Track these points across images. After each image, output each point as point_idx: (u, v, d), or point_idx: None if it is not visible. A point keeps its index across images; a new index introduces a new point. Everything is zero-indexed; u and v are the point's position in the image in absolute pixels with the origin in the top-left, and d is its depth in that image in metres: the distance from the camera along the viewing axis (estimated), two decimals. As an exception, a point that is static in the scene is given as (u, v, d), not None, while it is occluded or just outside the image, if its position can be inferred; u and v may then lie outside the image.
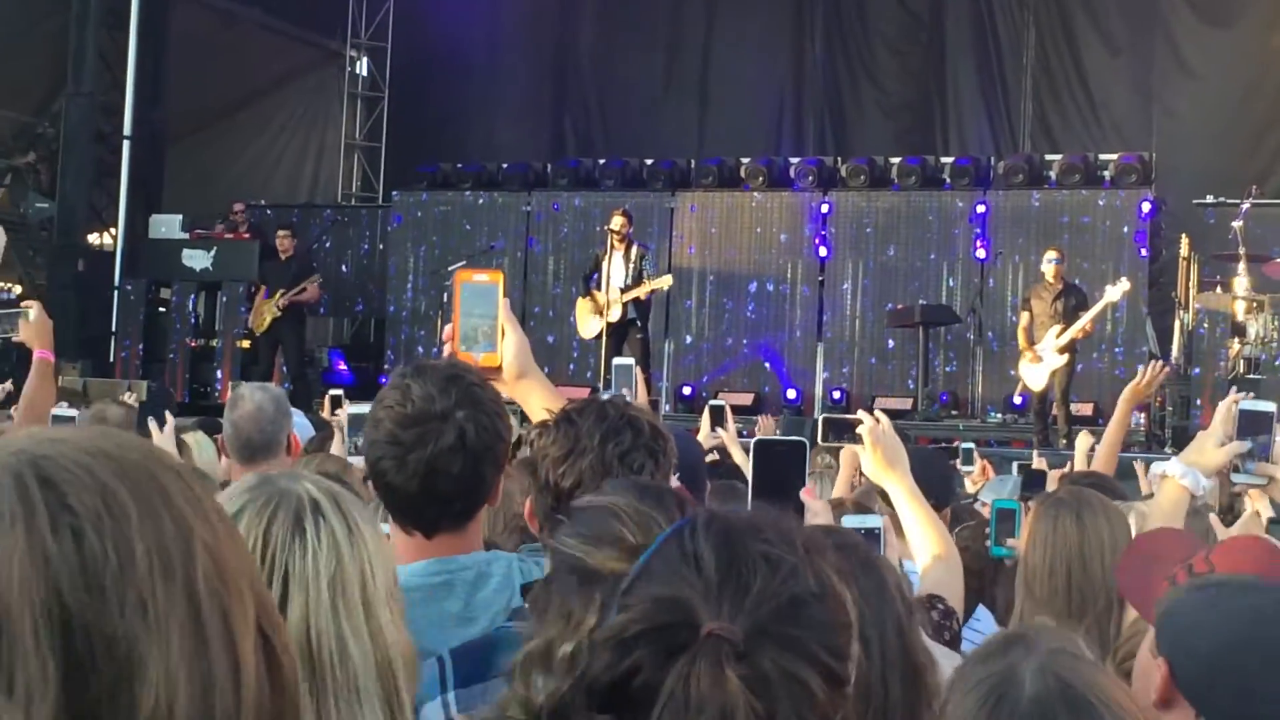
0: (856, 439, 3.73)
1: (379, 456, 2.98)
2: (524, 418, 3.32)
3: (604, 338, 15.29)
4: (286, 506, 2.22)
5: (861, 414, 3.66)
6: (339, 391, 8.50)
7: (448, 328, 3.10)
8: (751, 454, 3.16)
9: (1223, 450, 3.78)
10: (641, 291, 15.42)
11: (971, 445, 9.94)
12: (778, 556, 1.50)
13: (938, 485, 5.71)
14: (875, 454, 3.50)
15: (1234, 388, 11.37)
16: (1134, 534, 4.17)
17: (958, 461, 8.93)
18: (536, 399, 3.14)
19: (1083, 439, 9.11)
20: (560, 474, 2.65)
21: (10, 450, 1.45)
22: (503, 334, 3.07)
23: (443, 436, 2.94)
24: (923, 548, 3.82)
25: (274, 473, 2.40)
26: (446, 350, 3.10)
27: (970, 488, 8.36)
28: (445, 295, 18.11)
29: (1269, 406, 3.84)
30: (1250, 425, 3.76)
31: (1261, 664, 2.35)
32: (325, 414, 8.33)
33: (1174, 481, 3.76)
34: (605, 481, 2.43)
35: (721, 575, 1.47)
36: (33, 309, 5.81)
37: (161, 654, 1.43)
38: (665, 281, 15.65)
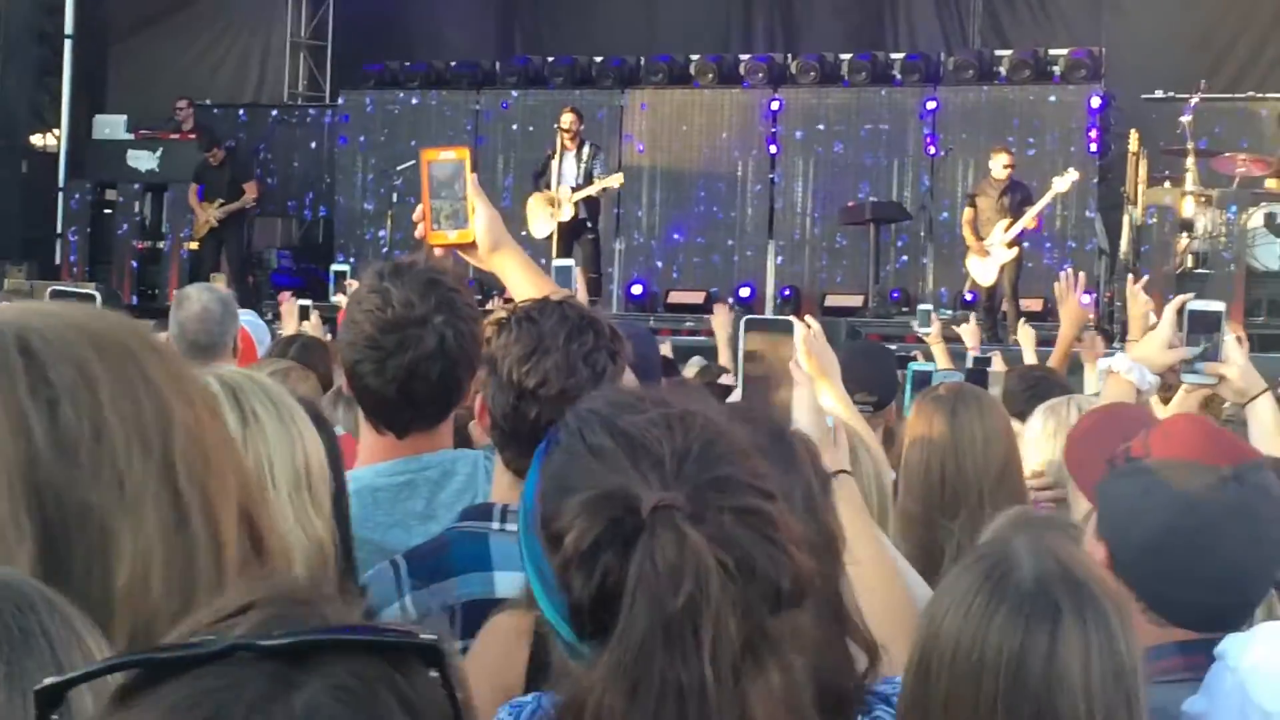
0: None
1: (357, 359, 2.98)
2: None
3: (555, 238, 15.24)
4: None
5: (793, 319, 3.65)
6: (307, 301, 8.45)
7: (418, 209, 3.08)
8: (741, 330, 3.17)
9: (1171, 352, 3.80)
10: (592, 190, 15.37)
11: (929, 307, 10.05)
12: (663, 417, 1.51)
13: (882, 381, 5.77)
14: (809, 361, 3.51)
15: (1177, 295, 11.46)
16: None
17: (914, 323, 9.07)
18: (514, 271, 3.13)
19: (1024, 330, 9.20)
20: (524, 372, 2.65)
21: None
22: (473, 210, 3.06)
23: (422, 342, 2.95)
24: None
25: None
26: (419, 231, 3.08)
27: (935, 353, 8.41)
28: (394, 195, 18.03)
29: (1218, 306, 3.85)
30: (1199, 325, 3.76)
31: (1188, 550, 2.43)
32: (291, 325, 8.25)
33: (1120, 377, 3.79)
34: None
35: (629, 453, 1.48)
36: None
37: (135, 527, 1.43)
38: (616, 180, 15.58)
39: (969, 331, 9.50)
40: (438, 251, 3.15)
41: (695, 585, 1.39)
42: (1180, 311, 3.78)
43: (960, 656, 2.04)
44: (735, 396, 3.01)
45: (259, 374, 2.44)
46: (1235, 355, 3.76)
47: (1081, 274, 7.91)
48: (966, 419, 3.99)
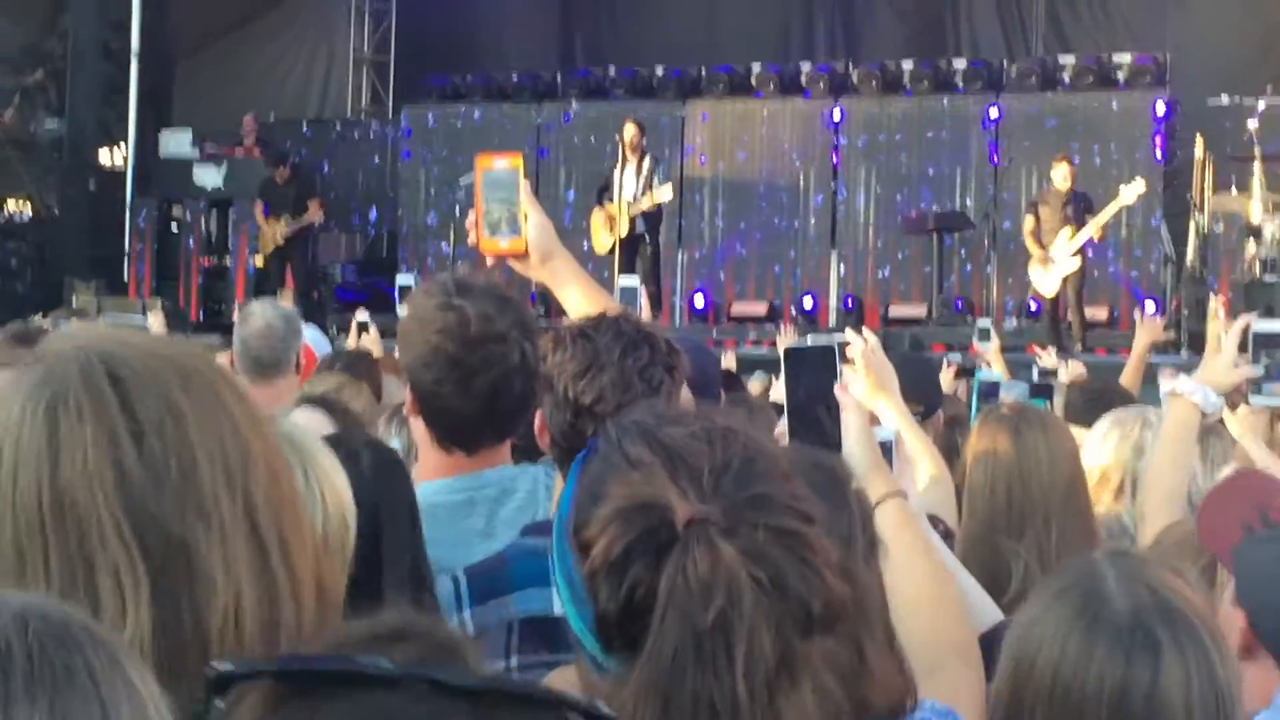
0: (847, 360, 3.68)
1: (437, 379, 2.96)
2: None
3: (617, 252, 15.24)
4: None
5: (850, 334, 3.62)
6: (365, 317, 8.49)
7: (471, 216, 3.06)
8: (783, 360, 3.15)
9: (1236, 372, 3.76)
10: (645, 204, 15.35)
11: (988, 323, 10.01)
12: (704, 432, 1.51)
13: (927, 390, 5.73)
14: (868, 377, 3.48)
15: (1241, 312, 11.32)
16: (1149, 443, 4.17)
17: (974, 338, 9.03)
18: (565, 281, 3.10)
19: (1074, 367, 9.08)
20: (580, 389, 2.64)
21: (77, 343, 1.44)
22: (525, 218, 3.04)
23: (507, 358, 2.94)
24: (919, 470, 3.82)
25: None
26: (471, 238, 3.07)
27: (993, 368, 8.31)
28: (457, 209, 18.09)
29: None
30: (1264, 344, 3.72)
31: None
32: (351, 341, 8.28)
33: (1185, 399, 3.75)
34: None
35: (668, 465, 1.47)
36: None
37: (226, 565, 1.43)
38: (666, 193, 15.52)
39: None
40: (489, 259, 3.13)
41: (727, 600, 1.38)
42: (1245, 331, 3.74)
43: (1059, 690, 2.05)
44: (782, 426, 2.99)
45: (287, 419, 2.41)
46: None
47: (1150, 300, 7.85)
48: (1031, 438, 3.94)
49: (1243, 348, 3.73)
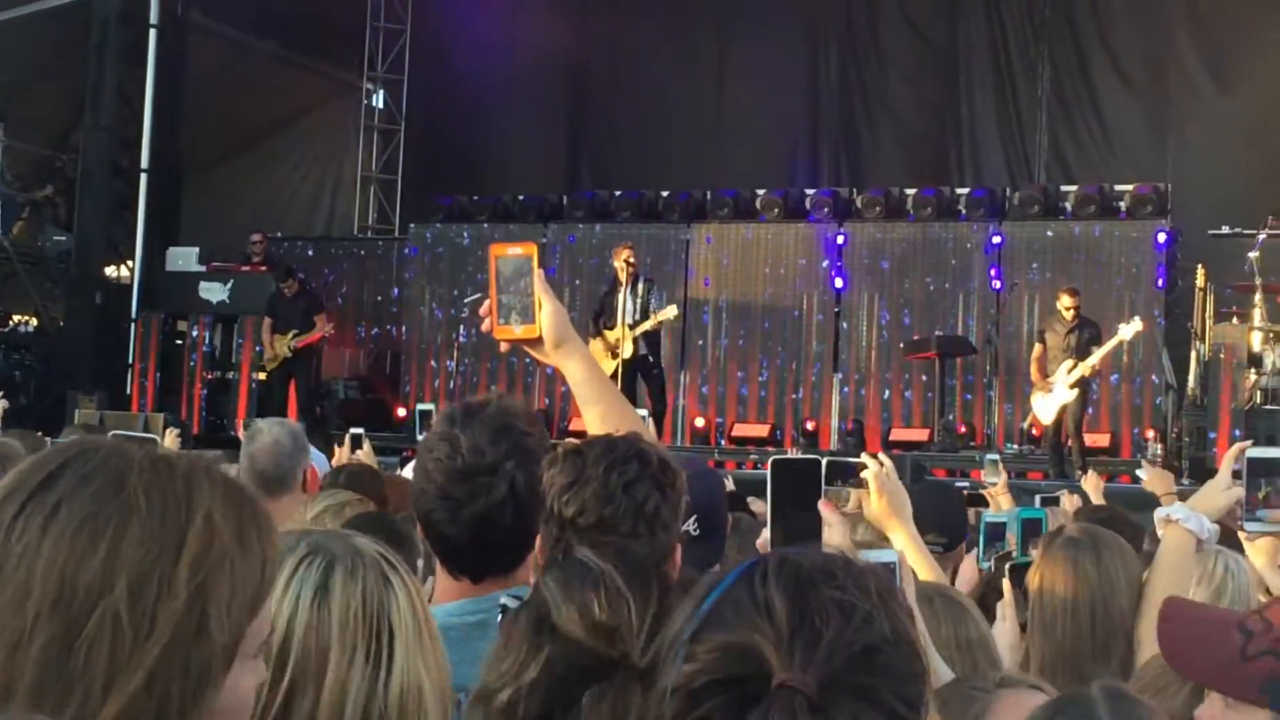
0: (860, 483, 3.66)
1: (430, 509, 2.98)
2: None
3: (619, 377, 15.27)
4: (364, 562, 2.19)
5: (865, 458, 3.60)
6: (359, 430, 8.48)
7: (485, 303, 3.08)
8: (770, 472, 3.16)
9: (1227, 493, 3.76)
10: (648, 325, 15.40)
11: (996, 456, 9.91)
12: (851, 603, 1.46)
13: (951, 522, 5.65)
14: (880, 500, 3.46)
15: (1239, 435, 11.34)
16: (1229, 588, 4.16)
17: (982, 473, 8.88)
18: (577, 368, 3.12)
19: (1091, 478, 9.00)
20: (564, 501, 2.65)
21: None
22: (539, 305, 3.06)
23: (494, 490, 2.93)
24: None
25: (316, 530, 2.41)
26: (485, 325, 3.08)
27: (999, 504, 8.22)
28: (460, 327, 18.16)
29: (1277, 452, 3.81)
30: (1260, 471, 3.72)
31: None
32: (343, 455, 8.23)
33: (1178, 526, 3.76)
34: (611, 543, 2.41)
35: (794, 623, 1.43)
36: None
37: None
38: (670, 312, 15.59)
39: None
40: (503, 346, 3.14)
41: None
42: (1239, 457, 3.75)
43: None
44: (765, 536, 2.98)
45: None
46: None
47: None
48: (1109, 561, 3.90)
49: (1237, 475, 3.74)
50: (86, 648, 1.42)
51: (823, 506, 3.05)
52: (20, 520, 1.46)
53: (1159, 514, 3.92)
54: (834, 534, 2.83)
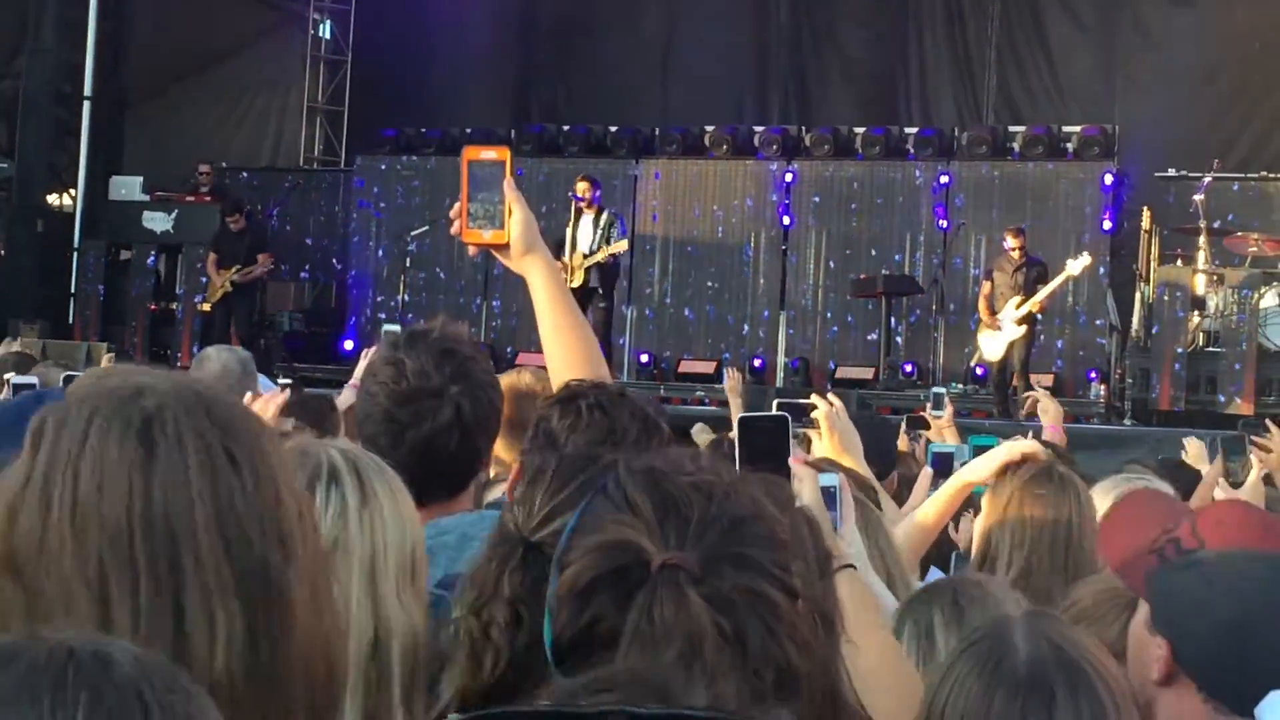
0: (811, 423, 3.65)
1: (374, 433, 2.97)
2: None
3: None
4: (303, 469, 2.18)
5: (816, 398, 3.60)
6: (288, 381, 8.40)
7: (455, 207, 3.08)
8: (737, 431, 3.16)
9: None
10: (599, 257, 15.40)
11: (943, 390, 9.97)
12: (708, 484, 1.52)
13: (882, 452, 5.75)
14: (831, 438, 3.47)
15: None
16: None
17: (928, 406, 8.92)
18: (541, 278, 3.11)
19: (1045, 402, 8.94)
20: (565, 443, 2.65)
21: (166, 379, 1.53)
22: (509, 211, 3.06)
23: (439, 414, 2.93)
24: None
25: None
26: (454, 228, 3.08)
27: (945, 438, 8.22)
28: (407, 260, 18.09)
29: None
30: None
31: (1260, 642, 2.33)
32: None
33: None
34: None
35: (660, 511, 1.48)
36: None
37: (308, 598, 1.51)
38: (620, 246, 15.61)
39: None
40: (471, 250, 3.17)
41: (688, 645, 1.40)
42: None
43: None
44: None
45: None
46: None
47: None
48: (1075, 496, 3.86)
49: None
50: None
51: (793, 462, 3.05)
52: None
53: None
54: (805, 488, 2.82)
